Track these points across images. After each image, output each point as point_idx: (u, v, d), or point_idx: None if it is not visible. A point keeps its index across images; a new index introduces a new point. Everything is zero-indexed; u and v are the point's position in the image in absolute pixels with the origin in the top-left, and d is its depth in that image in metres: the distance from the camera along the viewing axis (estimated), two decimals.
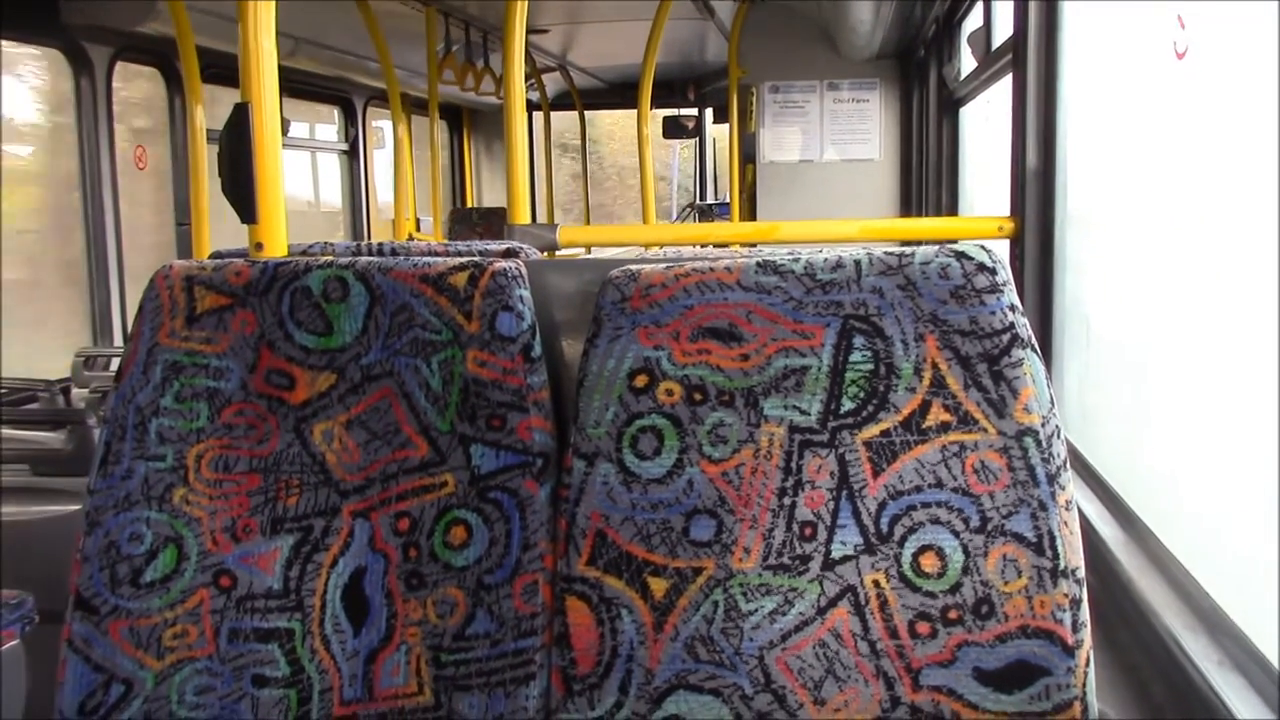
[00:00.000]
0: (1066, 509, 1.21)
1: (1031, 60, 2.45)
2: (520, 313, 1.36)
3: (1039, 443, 1.22)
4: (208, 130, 4.03)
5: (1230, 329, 1.45)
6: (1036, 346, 1.24)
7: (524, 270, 1.40)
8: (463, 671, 1.32)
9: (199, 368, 1.40)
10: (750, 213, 6.08)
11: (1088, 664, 1.20)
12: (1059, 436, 1.23)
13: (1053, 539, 1.20)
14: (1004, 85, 2.95)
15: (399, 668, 1.34)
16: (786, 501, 1.27)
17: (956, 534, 1.22)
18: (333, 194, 7.07)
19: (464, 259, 1.40)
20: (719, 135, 9.31)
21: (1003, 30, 3.23)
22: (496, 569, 1.33)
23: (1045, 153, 2.42)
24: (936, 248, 1.28)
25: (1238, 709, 1.23)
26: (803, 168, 6.00)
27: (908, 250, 1.28)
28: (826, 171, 5.99)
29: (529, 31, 5.75)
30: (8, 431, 2.95)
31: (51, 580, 1.82)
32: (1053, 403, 1.24)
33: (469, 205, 8.91)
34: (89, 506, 1.39)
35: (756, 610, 1.26)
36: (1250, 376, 1.38)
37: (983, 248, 1.27)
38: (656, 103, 7.10)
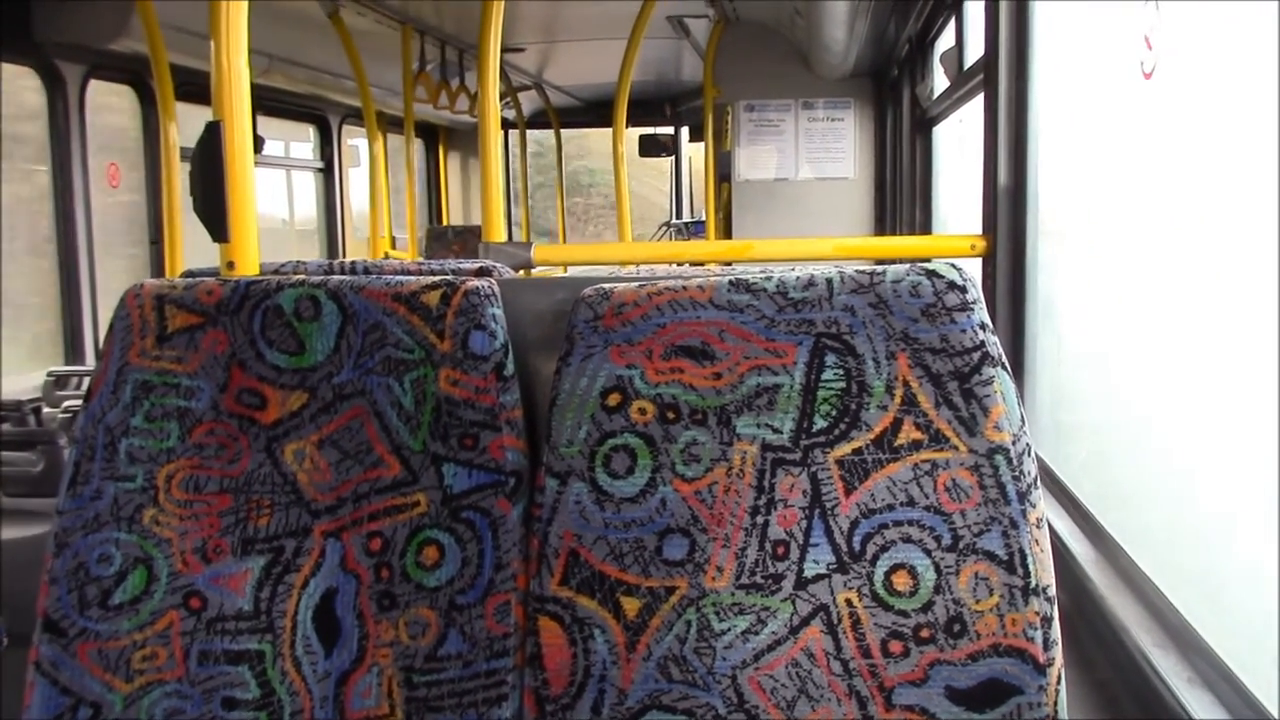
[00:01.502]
0: (1038, 527, 1.22)
1: (1003, 79, 2.47)
2: (493, 331, 1.36)
3: (1010, 461, 1.22)
4: (181, 148, 4.02)
5: (1204, 344, 1.46)
6: (1007, 364, 1.25)
7: (497, 289, 1.40)
8: (434, 693, 1.31)
9: (169, 387, 1.39)
10: (725, 231, 6.10)
11: (1059, 682, 1.20)
12: (1030, 454, 1.23)
13: (1024, 557, 1.21)
14: (976, 104, 2.97)
15: (370, 689, 1.33)
16: (759, 520, 1.26)
17: (928, 552, 1.22)
18: (308, 212, 7.05)
19: (437, 278, 1.39)
20: (694, 153, 9.34)
21: (974, 50, 3.25)
22: (469, 589, 1.32)
23: (1017, 171, 2.44)
24: (907, 266, 1.28)
25: None
26: (778, 186, 6.03)
27: (879, 269, 1.29)
28: (801, 190, 6.02)
29: (504, 50, 5.76)
30: None
31: (21, 602, 1.81)
32: (1023, 421, 1.24)
33: (444, 223, 8.91)
34: (58, 528, 1.38)
35: (729, 630, 1.26)
36: (1224, 391, 1.39)
37: (953, 266, 1.28)
38: (632, 121, 7.13)
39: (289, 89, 5.91)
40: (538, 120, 9.37)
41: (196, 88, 4.53)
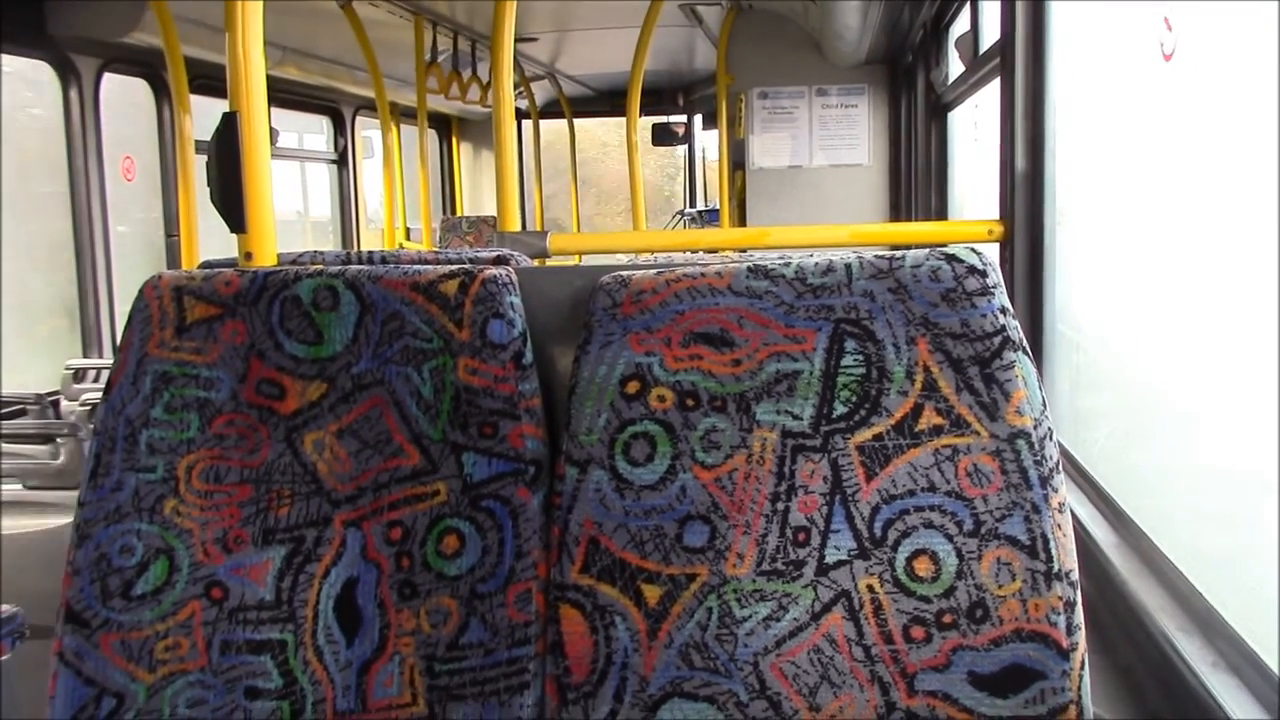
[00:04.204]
0: (1059, 511, 1.21)
1: (1019, 63, 2.45)
2: (511, 320, 1.36)
3: (1031, 445, 1.21)
4: (196, 140, 4.03)
5: (1222, 329, 1.45)
6: (1028, 349, 1.24)
7: (514, 277, 1.40)
8: (456, 681, 1.32)
9: (189, 378, 1.40)
10: (740, 219, 6.08)
11: (1082, 667, 1.20)
12: (1051, 439, 1.23)
13: (1046, 542, 1.20)
14: (992, 89, 2.95)
15: (392, 678, 1.33)
16: (780, 507, 1.26)
17: (950, 538, 1.22)
18: (322, 203, 7.07)
19: (454, 266, 1.39)
20: (708, 141, 9.34)
21: (990, 34, 3.23)
22: (489, 578, 1.32)
23: (1034, 156, 2.43)
24: (927, 251, 1.27)
25: (1232, 710, 1.23)
26: (792, 173, 6.01)
27: (898, 254, 1.28)
28: (816, 177, 6.00)
29: (517, 40, 5.75)
30: None
31: (43, 594, 1.82)
32: (1044, 405, 1.23)
33: (459, 213, 8.92)
34: (79, 519, 1.38)
35: (751, 616, 1.26)
36: (1242, 376, 1.38)
37: (973, 250, 1.27)
38: (645, 110, 7.12)
39: (302, 80, 5.92)
40: (550, 110, 9.36)
41: (210, 80, 4.56)
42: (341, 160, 6.92)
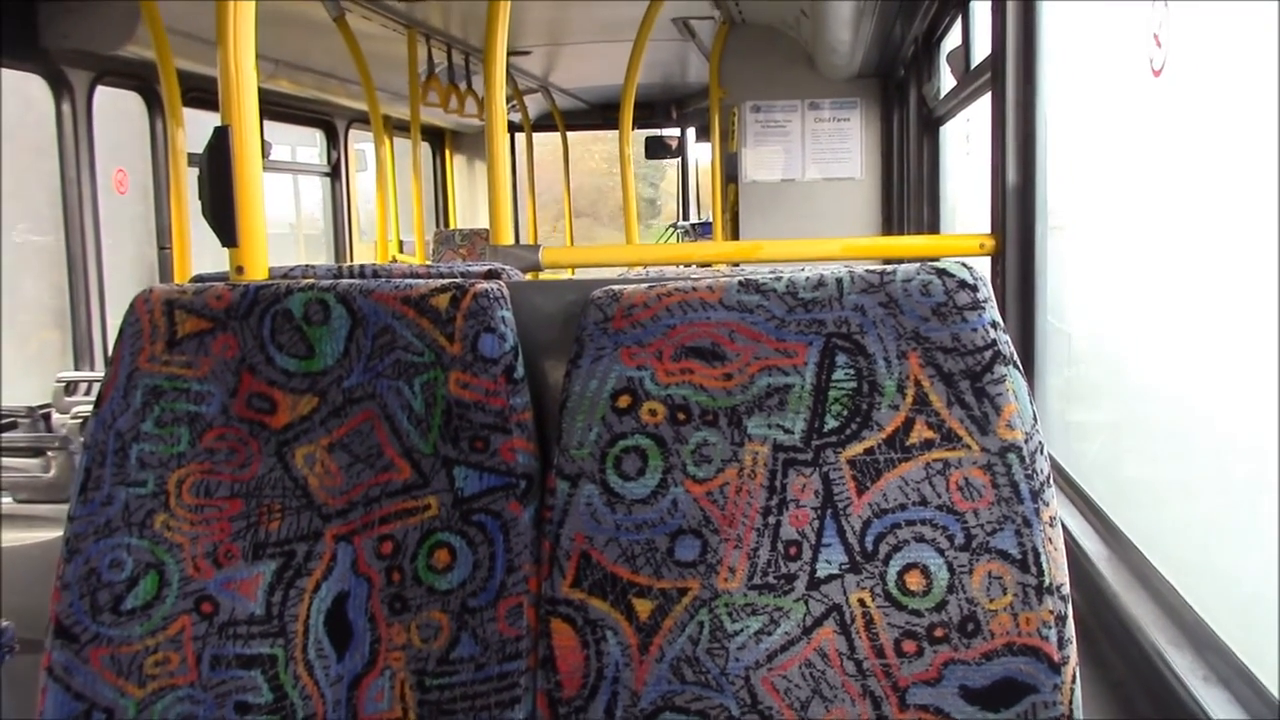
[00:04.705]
0: (1050, 525, 1.21)
1: (1010, 78, 2.46)
2: (502, 334, 1.36)
3: (1022, 459, 1.22)
4: (189, 153, 4.03)
5: (1215, 340, 1.45)
6: (1018, 363, 1.25)
7: (506, 291, 1.40)
8: (447, 696, 1.31)
9: (180, 392, 1.39)
10: (733, 232, 6.09)
11: (1074, 681, 1.20)
12: (1042, 452, 1.23)
13: (1037, 555, 1.20)
14: (983, 103, 2.96)
15: (383, 693, 1.33)
16: (771, 521, 1.26)
17: (941, 551, 1.22)
18: (314, 216, 7.07)
19: (446, 280, 1.39)
20: (701, 154, 9.37)
21: (982, 48, 3.25)
22: (480, 592, 1.32)
23: (1025, 170, 2.43)
24: (918, 265, 1.28)
25: None
26: (785, 187, 6.02)
27: (889, 268, 1.28)
28: (808, 190, 6.01)
29: (510, 53, 5.77)
30: None
31: (33, 608, 1.81)
32: (1035, 419, 1.24)
33: (452, 226, 8.93)
34: (69, 533, 1.38)
35: (742, 630, 1.25)
36: (1234, 388, 1.38)
37: (964, 264, 1.27)
38: (638, 123, 7.13)
39: (295, 94, 5.92)
40: (543, 123, 9.38)
41: (203, 93, 4.56)
42: (334, 173, 6.92)
